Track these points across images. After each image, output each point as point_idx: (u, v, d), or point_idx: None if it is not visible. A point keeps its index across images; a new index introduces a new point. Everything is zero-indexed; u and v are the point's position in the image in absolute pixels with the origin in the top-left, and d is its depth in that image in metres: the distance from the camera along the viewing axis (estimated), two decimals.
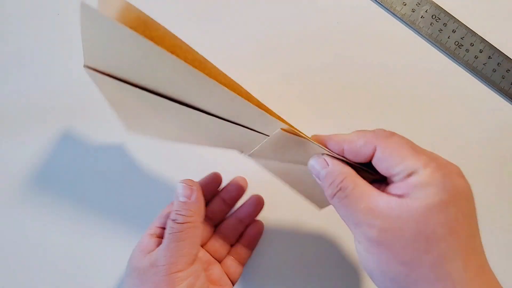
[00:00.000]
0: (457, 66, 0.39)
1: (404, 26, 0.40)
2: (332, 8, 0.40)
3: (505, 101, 0.39)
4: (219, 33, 0.39)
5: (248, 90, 0.26)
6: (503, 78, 0.39)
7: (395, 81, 0.39)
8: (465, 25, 0.39)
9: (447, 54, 0.39)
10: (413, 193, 0.23)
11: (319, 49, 0.39)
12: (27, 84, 0.39)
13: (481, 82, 0.39)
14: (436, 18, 0.39)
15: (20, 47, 0.39)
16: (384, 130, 0.27)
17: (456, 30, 0.39)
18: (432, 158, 0.25)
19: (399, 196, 0.23)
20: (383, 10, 0.40)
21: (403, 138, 0.26)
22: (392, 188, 0.24)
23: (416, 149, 0.25)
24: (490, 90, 0.39)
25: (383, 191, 0.25)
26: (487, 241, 0.37)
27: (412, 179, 0.23)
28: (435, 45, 0.39)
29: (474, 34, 0.39)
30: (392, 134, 0.26)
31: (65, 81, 0.39)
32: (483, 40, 0.39)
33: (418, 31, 0.39)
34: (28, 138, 0.38)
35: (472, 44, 0.39)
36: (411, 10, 0.39)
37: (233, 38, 0.39)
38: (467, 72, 0.39)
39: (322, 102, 0.39)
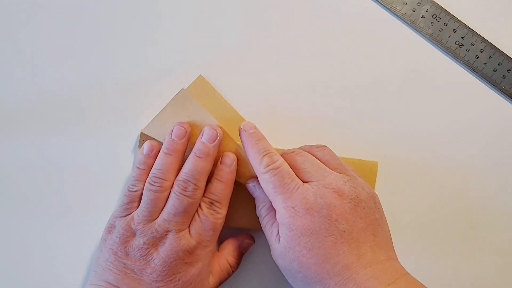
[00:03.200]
0: (457, 65, 0.39)
1: (405, 26, 0.40)
2: (332, 8, 0.40)
3: (505, 101, 0.39)
4: (218, 33, 0.39)
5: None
6: (504, 77, 0.39)
7: (396, 81, 0.39)
8: (466, 24, 0.39)
9: (447, 53, 0.39)
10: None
11: (319, 49, 0.39)
12: (26, 84, 0.39)
13: (482, 82, 0.39)
14: (437, 17, 0.39)
15: (20, 47, 0.39)
16: None
17: (457, 29, 0.39)
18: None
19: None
20: (384, 10, 0.40)
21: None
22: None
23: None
24: (490, 89, 0.39)
25: None
26: (486, 240, 0.37)
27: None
28: (436, 45, 0.39)
29: (475, 33, 0.39)
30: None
31: (64, 81, 0.39)
32: (484, 39, 0.39)
33: (418, 30, 0.39)
34: (26, 138, 0.38)
35: (473, 44, 0.39)
36: (412, 10, 0.39)
37: (232, 39, 0.39)
38: (467, 71, 0.39)
39: (321, 102, 0.39)
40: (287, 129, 0.38)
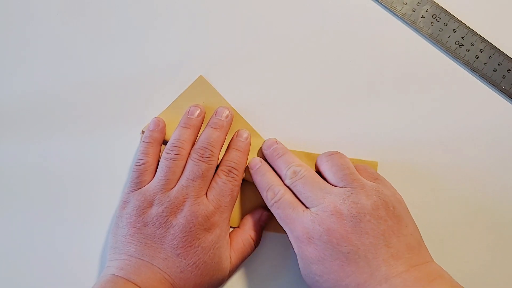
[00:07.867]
0: (457, 65, 0.39)
1: (405, 26, 0.40)
2: (332, 7, 0.40)
3: (505, 101, 0.39)
4: (218, 34, 0.39)
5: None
6: (504, 77, 0.39)
7: (395, 81, 0.39)
8: (465, 24, 0.39)
9: (447, 54, 0.39)
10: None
11: (319, 49, 0.39)
12: (25, 83, 0.39)
13: (482, 82, 0.39)
14: (437, 17, 0.39)
15: (19, 47, 0.39)
16: None
17: (457, 29, 0.39)
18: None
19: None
20: (384, 10, 0.40)
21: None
22: None
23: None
24: (490, 90, 0.39)
25: None
26: (488, 241, 0.37)
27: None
28: (436, 45, 0.39)
29: (474, 33, 0.39)
30: None
31: (63, 81, 0.39)
32: (483, 39, 0.39)
33: (418, 30, 0.39)
34: (25, 138, 0.38)
35: (472, 44, 0.39)
36: (412, 10, 0.39)
37: (233, 39, 0.39)
38: (467, 71, 0.39)
39: (320, 102, 0.39)
40: (287, 129, 0.38)
